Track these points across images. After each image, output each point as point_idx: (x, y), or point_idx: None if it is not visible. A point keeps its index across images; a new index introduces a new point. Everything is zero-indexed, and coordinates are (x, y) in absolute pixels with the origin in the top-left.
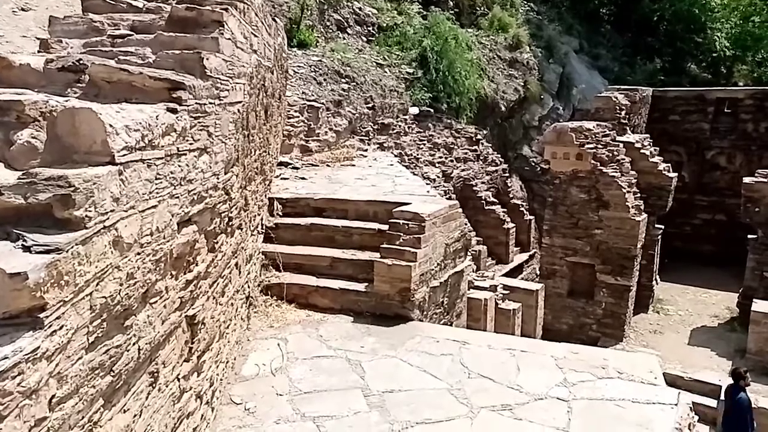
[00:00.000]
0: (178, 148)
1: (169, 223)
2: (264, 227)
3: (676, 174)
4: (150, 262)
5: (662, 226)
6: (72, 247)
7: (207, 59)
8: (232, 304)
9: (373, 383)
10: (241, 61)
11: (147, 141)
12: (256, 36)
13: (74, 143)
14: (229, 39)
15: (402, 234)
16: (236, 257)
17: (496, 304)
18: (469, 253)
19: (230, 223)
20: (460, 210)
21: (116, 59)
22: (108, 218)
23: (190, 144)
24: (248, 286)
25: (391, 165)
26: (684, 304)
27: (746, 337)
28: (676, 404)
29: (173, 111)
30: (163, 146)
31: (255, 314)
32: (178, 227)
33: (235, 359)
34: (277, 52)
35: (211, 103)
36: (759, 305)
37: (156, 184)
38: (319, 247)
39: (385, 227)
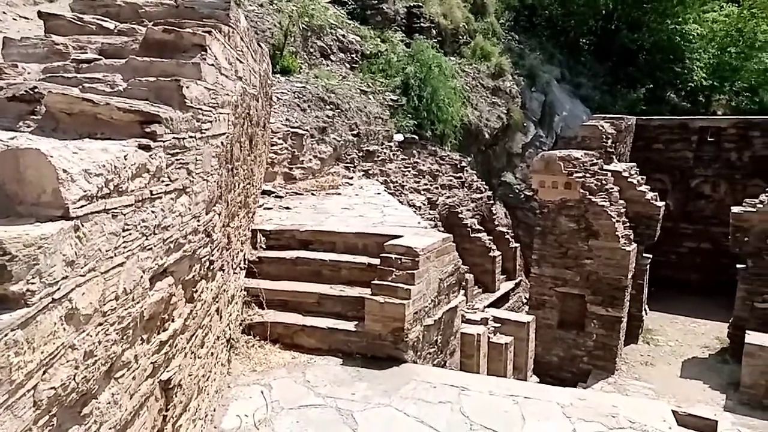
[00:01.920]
0: (151, 191)
1: (140, 282)
2: (246, 261)
3: (664, 203)
4: (115, 332)
5: (650, 255)
6: (5, 336)
7: (187, 87)
8: (212, 354)
9: None
10: (226, 89)
11: (112, 187)
12: (241, 62)
13: (18, 192)
14: (213, 65)
15: (394, 269)
16: (217, 302)
17: (488, 338)
18: (461, 288)
19: (211, 267)
20: (453, 243)
21: (80, 87)
22: (59, 288)
23: (166, 185)
24: (229, 328)
25: (378, 194)
26: (673, 334)
27: (739, 369)
28: None
29: (146, 148)
30: (132, 191)
31: (236, 357)
32: (150, 283)
33: (214, 410)
34: (263, 78)
35: (191, 137)
36: (752, 337)
37: (123, 237)
38: (306, 283)
39: (376, 261)
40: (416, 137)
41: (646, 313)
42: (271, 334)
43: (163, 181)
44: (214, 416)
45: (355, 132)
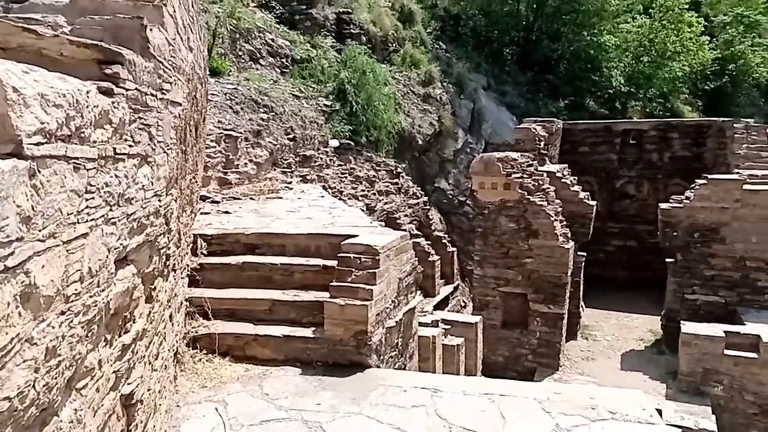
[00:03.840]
0: (114, 149)
1: (105, 263)
2: (188, 268)
3: (596, 201)
4: (80, 325)
5: (585, 253)
6: None
7: (150, 30)
8: (165, 367)
9: None
10: (181, 54)
11: (74, 128)
12: (192, 31)
13: None
14: (172, 16)
15: (354, 269)
16: (170, 306)
17: (441, 340)
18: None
19: (167, 263)
20: (410, 242)
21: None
22: (12, 253)
23: (130, 146)
24: (176, 340)
25: (322, 197)
26: (609, 329)
27: (675, 358)
28: None
29: (108, 93)
30: (95, 143)
31: (182, 373)
32: (115, 267)
33: None
34: (205, 63)
35: (152, 96)
36: (688, 327)
37: (87, 200)
38: (255, 289)
39: (331, 263)
40: (352, 143)
41: (584, 310)
42: (220, 346)
43: (126, 141)
44: None
45: (291, 136)
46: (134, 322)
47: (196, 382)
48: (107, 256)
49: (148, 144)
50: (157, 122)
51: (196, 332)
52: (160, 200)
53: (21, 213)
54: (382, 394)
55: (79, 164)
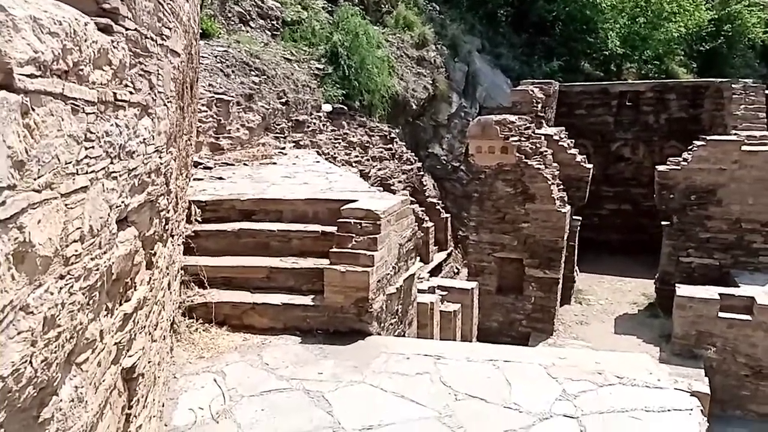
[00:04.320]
0: (115, 94)
1: (107, 222)
2: (183, 236)
3: (593, 165)
4: (81, 291)
5: (580, 217)
6: None
7: None
8: (164, 338)
9: (346, 420)
10: (179, 0)
11: (71, 63)
12: None
13: None
14: None
15: (354, 235)
16: (168, 274)
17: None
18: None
19: (167, 227)
20: (411, 206)
21: None
22: (4, 203)
23: (131, 93)
24: (172, 310)
25: (318, 162)
26: (602, 293)
27: (669, 322)
28: (692, 410)
29: (107, 31)
30: (95, 84)
31: (178, 343)
32: (118, 228)
33: (163, 405)
34: (198, 18)
35: (152, 40)
36: (683, 290)
37: (86, 148)
38: (252, 257)
39: (330, 229)
40: (345, 108)
41: (578, 274)
42: (217, 315)
43: (127, 87)
44: (163, 411)
45: (283, 100)
46: (135, 290)
47: (193, 352)
48: (109, 214)
49: (149, 93)
50: (158, 70)
51: (192, 301)
52: (161, 157)
53: (13, 156)
54: (385, 361)
55: (78, 106)
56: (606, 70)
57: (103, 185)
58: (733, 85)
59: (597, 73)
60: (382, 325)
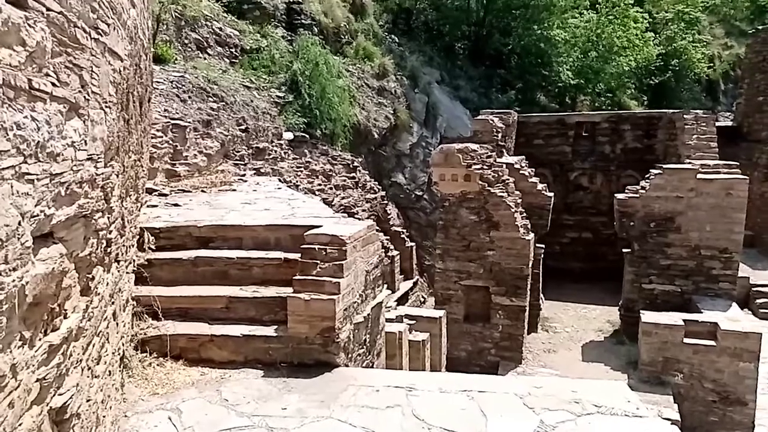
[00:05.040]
0: (30, 81)
1: (17, 233)
2: (134, 264)
3: (553, 193)
4: None
5: (543, 245)
6: None
7: None
8: (110, 373)
9: None
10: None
11: None
12: None
13: None
14: None
15: (319, 262)
16: (113, 303)
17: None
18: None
19: (108, 250)
20: (377, 232)
21: None
22: None
23: (53, 85)
24: (122, 343)
25: (279, 188)
26: (568, 321)
27: (635, 348)
28: None
29: (19, 5)
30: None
31: (130, 379)
32: (34, 243)
33: None
34: (149, 34)
35: (84, 32)
36: (648, 316)
37: None
38: (210, 286)
39: (293, 256)
40: (307, 136)
41: (543, 302)
42: (172, 348)
43: (48, 77)
44: None
45: (243, 127)
46: (65, 318)
47: (146, 388)
48: (20, 224)
49: (80, 91)
50: (92, 68)
51: (145, 334)
52: (96, 167)
53: None
54: (354, 394)
55: None
56: (561, 102)
57: (12, 187)
58: (685, 116)
59: (552, 105)
60: (350, 355)
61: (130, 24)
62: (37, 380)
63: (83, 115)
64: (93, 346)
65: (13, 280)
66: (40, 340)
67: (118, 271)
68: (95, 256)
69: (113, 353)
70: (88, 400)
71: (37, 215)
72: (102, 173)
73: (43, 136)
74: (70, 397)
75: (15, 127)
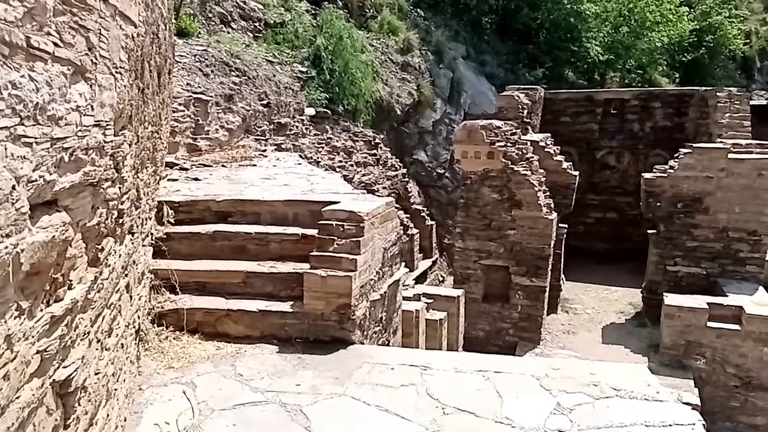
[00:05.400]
0: (29, 39)
1: (10, 197)
2: (152, 238)
3: (579, 172)
4: None
5: (566, 225)
6: None
7: None
8: (122, 346)
9: None
10: None
11: None
12: None
13: None
14: None
15: (336, 238)
16: (127, 276)
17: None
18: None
19: (120, 221)
20: (395, 209)
21: None
22: None
23: (56, 45)
24: (138, 316)
25: (299, 164)
26: (589, 302)
27: (656, 331)
28: (694, 425)
29: None
30: None
31: (146, 352)
32: (32, 210)
33: (125, 420)
34: (169, 4)
35: None
36: (671, 299)
37: None
38: (227, 260)
39: (311, 232)
40: (328, 111)
41: (564, 283)
42: (189, 322)
43: (50, 36)
44: (125, 427)
45: (264, 102)
46: (70, 289)
47: (162, 362)
48: (14, 188)
49: (86, 54)
50: (100, 30)
51: (162, 307)
52: (104, 134)
53: None
54: (368, 372)
55: None
56: (589, 79)
57: (5, 149)
58: (717, 94)
59: (581, 82)
60: (365, 333)
61: None
62: (38, 352)
63: (90, 79)
64: (103, 318)
65: (6, 247)
66: (41, 311)
67: (132, 243)
68: (105, 227)
69: (126, 326)
70: (96, 373)
71: (36, 180)
72: (111, 141)
73: (42, 97)
74: (75, 370)
75: (10, 86)
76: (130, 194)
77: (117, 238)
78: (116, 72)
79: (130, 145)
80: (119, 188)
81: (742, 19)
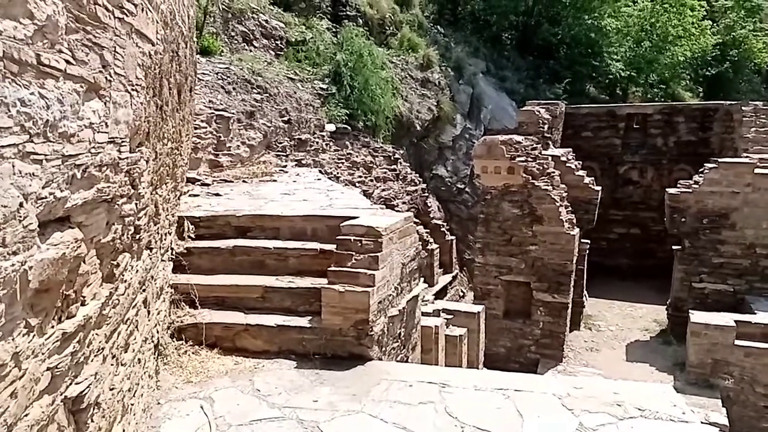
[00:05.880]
0: (39, 56)
1: (17, 214)
2: (173, 252)
3: (601, 187)
4: None
5: (588, 241)
6: None
7: None
8: (139, 361)
9: None
10: None
11: None
12: None
13: None
14: None
15: (354, 253)
16: (144, 291)
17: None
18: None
19: (137, 237)
20: (414, 224)
21: None
22: None
23: (68, 63)
24: (157, 330)
25: (319, 179)
26: (612, 319)
27: (682, 349)
28: None
29: None
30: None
31: (165, 366)
32: (41, 227)
33: None
34: (190, 23)
35: (107, 10)
36: (697, 316)
37: None
38: (246, 275)
39: (329, 247)
40: (348, 127)
41: (587, 299)
42: (207, 337)
43: (62, 53)
44: None
45: (285, 118)
46: (83, 305)
47: (181, 376)
48: (22, 205)
49: (100, 71)
50: (115, 48)
51: (182, 322)
52: (119, 151)
53: None
54: (386, 389)
55: None
56: (611, 94)
57: (13, 168)
58: (743, 108)
59: (602, 97)
60: (384, 349)
61: (165, 8)
62: (48, 369)
63: (104, 96)
64: (119, 333)
65: (13, 265)
66: (52, 327)
67: (151, 258)
68: (121, 243)
69: (144, 341)
70: (111, 389)
71: (45, 197)
72: (127, 158)
73: (53, 114)
74: (88, 386)
75: (19, 104)
76: (147, 210)
77: (134, 254)
78: (132, 89)
79: (147, 162)
80: (136, 204)
81: (767, 32)
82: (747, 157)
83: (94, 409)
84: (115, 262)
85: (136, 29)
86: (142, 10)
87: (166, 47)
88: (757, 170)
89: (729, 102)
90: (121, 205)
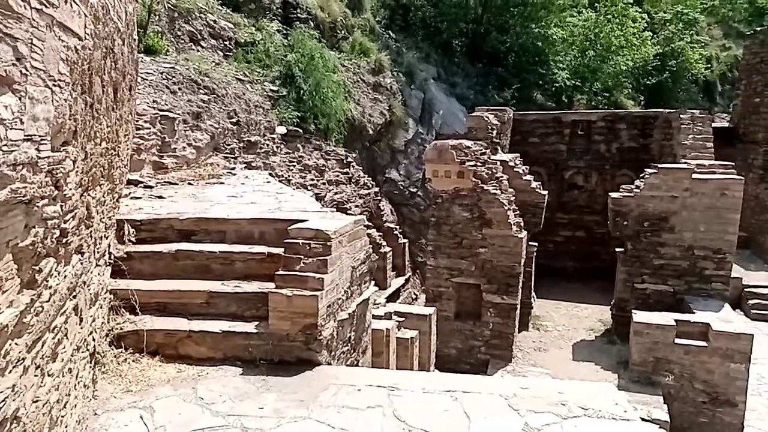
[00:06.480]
0: None
1: None
2: (111, 257)
3: (548, 192)
4: None
5: (536, 243)
6: None
7: None
8: (69, 371)
9: None
10: None
11: None
12: None
13: None
14: None
15: (303, 257)
16: (75, 297)
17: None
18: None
19: (64, 241)
20: (365, 227)
21: None
22: None
23: None
24: (93, 338)
25: (268, 182)
26: (560, 320)
27: (626, 348)
28: None
29: None
30: None
31: (103, 376)
32: None
33: None
34: (129, 20)
35: (22, 2)
36: (639, 316)
37: None
38: (190, 280)
39: (278, 251)
40: (300, 130)
41: (535, 300)
42: (149, 344)
43: None
44: None
45: (234, 120)
46: None
47: (120, 386)
48: None
49: (13, 64)
50: (32, 40)
51: (121, 329)
52: (39, 150)
53: None
54: (334, 394)
55: None
56: (557, 101)
57: None
58: (681, 116)
59: (549, 104)
60: (333, 353)
61: (95, 2)
62: None
63: (18, 91)
64: (44, 342)
65: None
66: None
67: (82, 263)
68: (44, 247)
69: (76, 350)
70: (35, 401)
71: None
72: (49, 157)
73: None
74: (3, 400)
75: None
76: (77, 212)
77: (60, 259)
78: (54, 85)
79: (74, 162)
80: (61, 206)
81: (703, 44)
82: (685, 162)
83: (12, 424)
84: (36, 268)
85: (59, 22)
86: (66, 2)
87: (98, 43)
88: (694, 175)
89: (668, 110)
90: (42, 207)
